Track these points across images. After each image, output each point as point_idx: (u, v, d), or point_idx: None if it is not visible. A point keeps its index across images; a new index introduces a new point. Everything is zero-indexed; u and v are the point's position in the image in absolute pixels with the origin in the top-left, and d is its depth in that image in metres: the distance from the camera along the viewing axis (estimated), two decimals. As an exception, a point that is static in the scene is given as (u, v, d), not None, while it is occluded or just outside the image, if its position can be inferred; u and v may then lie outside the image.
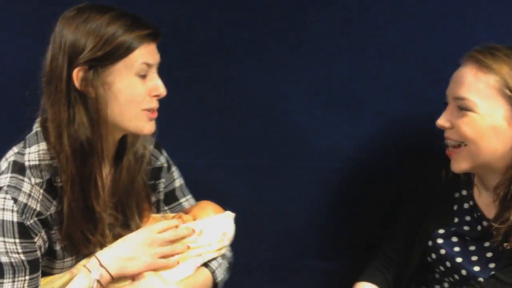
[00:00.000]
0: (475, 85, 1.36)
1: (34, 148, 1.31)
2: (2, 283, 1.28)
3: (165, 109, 1.39)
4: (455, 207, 1.53)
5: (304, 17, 1.74)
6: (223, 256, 1.49)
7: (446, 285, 1.54)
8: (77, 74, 1.26)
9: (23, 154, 1.31)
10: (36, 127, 1.33)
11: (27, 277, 1.29)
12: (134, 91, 1.29)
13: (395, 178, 1.77)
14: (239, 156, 1.83)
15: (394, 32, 1.71)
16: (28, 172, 1.29)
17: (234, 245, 1.53)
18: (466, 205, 1.52)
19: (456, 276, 1.50)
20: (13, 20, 1.77)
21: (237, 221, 1.51)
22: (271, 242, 1.89)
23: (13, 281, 1.28)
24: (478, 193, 1.49)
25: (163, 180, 1.51)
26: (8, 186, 1.27)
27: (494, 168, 1.39)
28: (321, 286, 1.88)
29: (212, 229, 1.45)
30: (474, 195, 1.50)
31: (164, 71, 1.35)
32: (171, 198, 1.54)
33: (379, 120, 1.77)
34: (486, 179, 1.44)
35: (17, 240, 1.27)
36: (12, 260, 1.27)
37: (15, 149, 1.33)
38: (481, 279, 1.44)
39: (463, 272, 1.47)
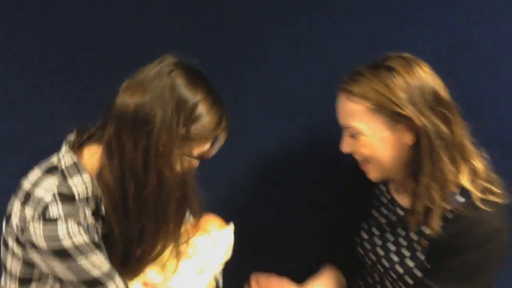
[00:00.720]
0: (351, 113, 1.44)
1: (77, 180, 1.30)
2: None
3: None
4: (376, 202, 1.66)
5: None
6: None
7: (377, 277, 1.63)
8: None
9: (68, 187, 1.29)
10: (73, 158, 1.32)
11: (117, 274, 1.34)
12: (193, 163, 1.37)
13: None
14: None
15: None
16: (78, 203, 1.28)
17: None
18: (384, 199, 1.63)
19: (380, 268, 1.58)
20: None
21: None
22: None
23: (116, 285, 1.32)
24: (394, 187, 1.60)
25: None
26: (65, 214, 1.25)
27: (398, 169, 1.47)
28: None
29: (222, 241, 1.55)
30: (391, 189, 1.61)
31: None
32: None
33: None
34: (398, 178, 1.53)
35: (98, 255, 1.29)
36: (104, 270, 1.30)
37: (51, 179, 1.29)
38: (400, 270, 1.52)
39: (385, 263, 1.56)
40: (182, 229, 1.48)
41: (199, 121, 1.31)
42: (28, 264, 1.33)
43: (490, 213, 1.38)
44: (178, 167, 1.31)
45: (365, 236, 1.64)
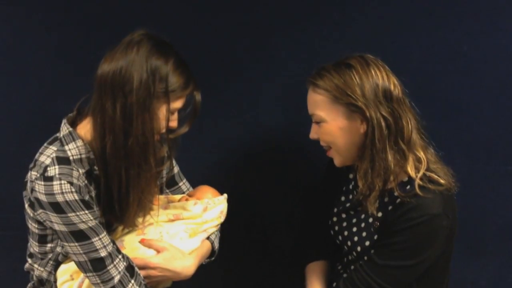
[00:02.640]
0: (315, 102, 1.64)
1: (72, 145, 1.52)
2: (92, 242, 1.49)
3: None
4: (344, 188, 1.81)
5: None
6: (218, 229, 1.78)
7: (344, 259, 1.78)
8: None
9: (64, 151, 1.51)
10: (68, 128, 1.53)
11: (105, 232, 1.52)
12: (164, 122, 1.52)
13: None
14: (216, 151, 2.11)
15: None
16: (73, 164, 1.50)
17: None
18: (350, 186, 1.79)
19: (346, 248, 1.75)
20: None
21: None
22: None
23: (100, 238, 1.50)
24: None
25: (165, 167, 1.77)
26: (60, 174, 1.46)
27: (355, 155, 1.64)
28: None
29: (214, 207, 1.73)
30: (357, 176, 1.70)
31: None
32: (172, 182, 1.83)
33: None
34: (358, 165, 1.65)
35: (87, 211, 1.48)
36: (90, 225, 1.49)
37: (53, 147, 1.52)
38: (358, 248, 1.69)
39: (349, 243, 1.73)
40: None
41: (169, 79, 1.48)
42: (39, 223, 1.57)
43: (427, 199, 1.55)
44: (156, 123, 1.49)
45: (334, 219, 1.80)
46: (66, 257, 1.60)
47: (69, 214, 1.47)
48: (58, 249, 1.60)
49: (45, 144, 1.55)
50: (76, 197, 1.47)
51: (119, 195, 1.53)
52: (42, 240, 1.60)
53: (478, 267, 2.09)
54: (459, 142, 2.01)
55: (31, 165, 1.53)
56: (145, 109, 1.46)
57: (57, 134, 1.56)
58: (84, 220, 1.48)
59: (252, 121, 2.09)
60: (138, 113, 1.46)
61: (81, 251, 1.50)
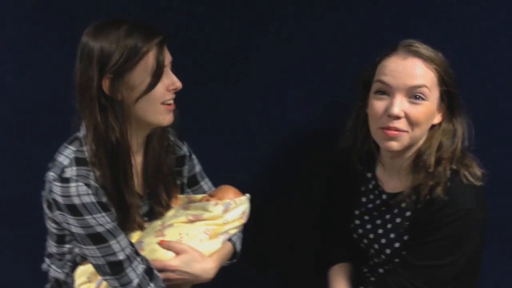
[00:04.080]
0: (425, 75, 1.51)
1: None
2: (110, 245, 1.46)
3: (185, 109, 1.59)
4: (363, 188, 1.71)
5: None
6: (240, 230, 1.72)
7: (371, 262, 1.70)
8: (105, 82, 1.43)
9: (82, 151, 1.48)
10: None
11: (123, 234, 1.49)
12: (146, 85, 1.45)
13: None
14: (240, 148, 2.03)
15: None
16: (91, 166, 1.47)
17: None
18: (370, 186, 1.70)
19: (373, 251, 1.66)
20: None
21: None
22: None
23: (117, 241, 1.47)
24: (382, 172, 1.67)
25: (186, 166, 1.74)
26: (77, 175, 1.44)
27: (414, 146, 1.56)
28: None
29: (236, 208, 1.67)
30: (377, 174, 1.68)
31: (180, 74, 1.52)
32: (193, 182, 1.78)
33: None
34: (397, 157, 1.58)
35: (104, 214, 1.45)
36: (108, 227, 1.46)
37: (72, 147, 1.49)
38: (388, 251, 1.61)
39: (376, 246, 1.64)
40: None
41: (128, 43, 1.42)
42: (57, 223, 1.53)
43: (460, 193, 1.49)
44: (132, 92, 1.45)
45: (357, 221, 1.71)
46: (84, 259, 1.57)
47: (86, 217, 1.44)
48: (76, 250, 1.57)
49: (64, 144, 1.52)
50: (93, 200, 1.44)
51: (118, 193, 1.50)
52: (60, 240, 1.58)
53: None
54: (495, 137, 1.88)
55: (50, 164, 1.50)
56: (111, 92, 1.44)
57: (77, 134, 1.52)
58: (101, 222, 1.45)
59: (279, 117, 2.02)
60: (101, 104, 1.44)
61: (99, 254, 1.47)
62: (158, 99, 1.48)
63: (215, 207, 1.64)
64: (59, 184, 1.43)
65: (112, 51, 1.42)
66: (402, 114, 1.50)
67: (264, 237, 2.04)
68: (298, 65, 1.98)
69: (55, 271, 1.61)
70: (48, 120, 2.04)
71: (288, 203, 2.06)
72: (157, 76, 1.46)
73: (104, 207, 1.46)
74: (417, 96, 1.51)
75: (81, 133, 1.51)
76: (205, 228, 1.62)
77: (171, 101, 1.52)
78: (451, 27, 1.84)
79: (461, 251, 1.51)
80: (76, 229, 1.45)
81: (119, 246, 1.47)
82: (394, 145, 1.53)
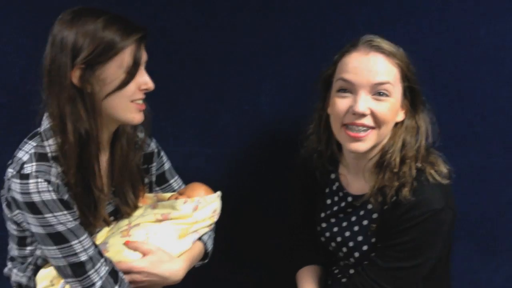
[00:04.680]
0: (388, 71, 1.45)
1: (52, 141, 1.42)
2: (71, 245, 1.40)
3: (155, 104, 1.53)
4: (327, 190, 1.66)
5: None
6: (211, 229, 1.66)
7: (341, 263, 1.65)
8: (75, 72, 1.38)
9: (43, 146, 1.41)
10: (50, 122, 1.43)
11: (86, 234, 1.43)
12: (117, 80, 1.40)
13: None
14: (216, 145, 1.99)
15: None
16: (52, 161, 1.40)
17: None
18: (334, 187, 1.65)
19: (341, 254, 1.61)
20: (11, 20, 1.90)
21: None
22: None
23: (80, 241, 1.41)
24: (345, 173, 1.62)
25: (154, 164, 1.69)
26: (37, 171, 1.37)
27: (378, 146, 1.51)
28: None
29: (206, 206, 1.61)
30: (340, 176, 1.63)
31: (151, 69, 1.48)
32: (162, 180, 1.72)
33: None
34: (361, 157, 1.53)
35: (65, 211, 1.39)
36: (69, 226, 1.39)
37: (32, 143, 1.42)
38: (356, 254, 1.56)
39: (344, 249, 1.59)
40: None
41: (105, 36, 1.37)
42: (17, 224, 1.46)
43: (427, 194, 1.44)
44: (104, 86, 1.40)
45: (323, 224, 1.66)
46: (46, 261, 1.50)
47: (46, 215, 1.37)
48: (38, 252, 1.50)
49: (25, 140, 1.46)
50: (54, 197, 1.37)
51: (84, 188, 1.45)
52: (21, 242, 1.51)
53: (494, 266, 1.96)
54: (473, 135, 1.87)
55: (10, 161, 1.43)
56: (80, 83, 1.38)
57: (38, 129, 1.46)
58: (62, 221, 1.39)
59: (252, 113, 1.96)
60: (70, 92, 1.38)
61: (60, 255, 1.40)
62: (128, 97, 1.43)
63: (184, 206, 1.58)
64: (18, 181, 1.37)
65: (87, 42, 1.36)
66: (368, 112, 1.45)
67: (237, 236, 2.00)
68: (272, 58, 1.93)
69: (16, 275, 1.54)
70: (9, 116, 1.96)
71: (261, 201, 2.02)
72: (131, 73, 1.41)
73: (66, 205, 1.40)
74: (381, 93, 1.46)
75: (42, 127, 1.44)
76: (174, 227, 1.56)
77: (141, 101, 1.47)
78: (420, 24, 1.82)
79: (430, 251, 1.47)
80: (36, 229, 1.39)
81: (81, 247, 1.41)
82: (360, 146, 1.48)
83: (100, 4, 1.45)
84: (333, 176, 1.66)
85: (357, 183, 1.59)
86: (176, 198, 1.63)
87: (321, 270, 1.71)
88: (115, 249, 1.50)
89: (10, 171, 1.40)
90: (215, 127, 1.99)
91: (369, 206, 1.53)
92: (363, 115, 1.45)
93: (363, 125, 1.46)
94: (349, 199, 1.59)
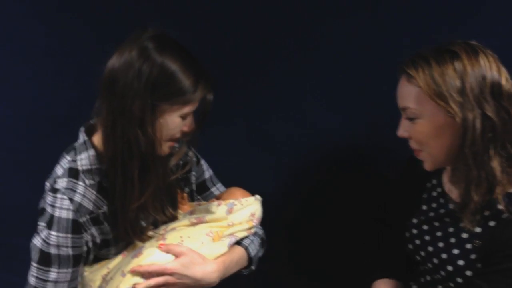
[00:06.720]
0: (409, 95, 1.41)
1: (84, 155, 1.46)
2: (49, 270, 1.44)
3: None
4: (425, 195, 1.59)
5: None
6: (254, 234, 1.63)
7: (428, 277, 1.56)
8: (139, 103, 1.36)
9: (75, 161, 1.46)
10: (84, 137, 1.48)
11: (69, 269, 1.46)
12: (175, 127, 1.44)
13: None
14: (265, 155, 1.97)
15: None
16: (81, 175, 1.45)
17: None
18: (434, 193, 1.57)
19: (430, 265, 1.52)
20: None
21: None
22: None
23: (58, 272, 1.44)
24: (448, 178, 1.54)
25: (193, 173, 1.68)
26: (65, 188, 1.43)
27: (450, 158, 1.43)
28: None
29: (242, 209, 1.59)
30: (443, 181, 1.55)
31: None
32: (203, 188, 1.71)
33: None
34: (452, 167, 1.49)
35: (69, 235, 1.43)
36: (61, 253, 1.43)
37: (68, 157, 1.48)
38: (449, 268, 1.46)
39: (435, 260, 1.50)
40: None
41: (169, 82, 1.37)
42: None
43: None
44: (152, 130, 1.39)
45: (414, 231, 1.57)
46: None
47: (52, 232, 1.43)
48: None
49: (63, 153, 1.52)
50: (70, 216, 1.43)
51: (123, 208, 1.46)
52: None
53: None
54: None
55: (49, 174, 1.52)
56: (142, 114, 1.37)
57: (74, 143, 1.52)
58: (59, 244, 1.43)
59: (299, 120, 1.95)
60: (130, 118, 1.37)
61: (34, 272, 1.45)
62: (172, 135, 1.45)
63: (218, 208, 1.58)
64: (50, 194, 1.44)
65: (163, 80, 1.37)
66: (406, 135, 1.46)
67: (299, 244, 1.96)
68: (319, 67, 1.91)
69: None
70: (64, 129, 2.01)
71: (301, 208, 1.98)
72: (182, 117, 1.43)
73: (75, 229, 1.44)
74: (410, 118, 1.45)
75: (78, 142, 1.50)
76: (208, 230, 1.55)
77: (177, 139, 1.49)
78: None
79: None
80: (36, 241, 1.45)
81: (55, 277, 1.44)
82: (426, 166, 1.49)
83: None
84: (434, 181, 1.59)
85: (458, 188, 1.48)
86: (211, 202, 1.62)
87: (399, 286, 1.64)
88: (148, 252, 1.50)
89: (47, 184, 1.48)
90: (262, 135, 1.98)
91: (475, 220, 1.43)
92: (407, 138, 1.47)
93: (412, 148, 1.48)
94: (451, 206, 1.50)
